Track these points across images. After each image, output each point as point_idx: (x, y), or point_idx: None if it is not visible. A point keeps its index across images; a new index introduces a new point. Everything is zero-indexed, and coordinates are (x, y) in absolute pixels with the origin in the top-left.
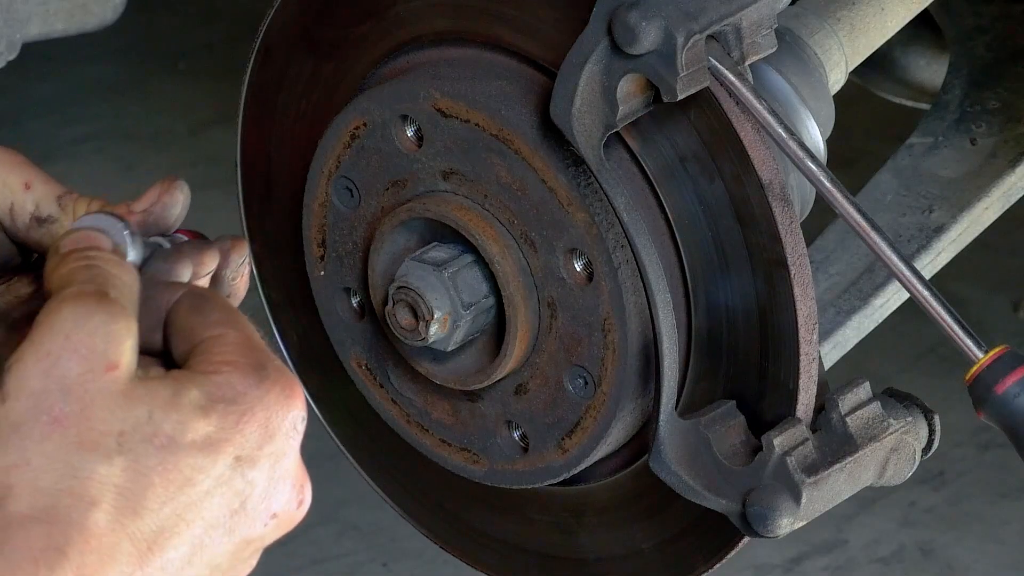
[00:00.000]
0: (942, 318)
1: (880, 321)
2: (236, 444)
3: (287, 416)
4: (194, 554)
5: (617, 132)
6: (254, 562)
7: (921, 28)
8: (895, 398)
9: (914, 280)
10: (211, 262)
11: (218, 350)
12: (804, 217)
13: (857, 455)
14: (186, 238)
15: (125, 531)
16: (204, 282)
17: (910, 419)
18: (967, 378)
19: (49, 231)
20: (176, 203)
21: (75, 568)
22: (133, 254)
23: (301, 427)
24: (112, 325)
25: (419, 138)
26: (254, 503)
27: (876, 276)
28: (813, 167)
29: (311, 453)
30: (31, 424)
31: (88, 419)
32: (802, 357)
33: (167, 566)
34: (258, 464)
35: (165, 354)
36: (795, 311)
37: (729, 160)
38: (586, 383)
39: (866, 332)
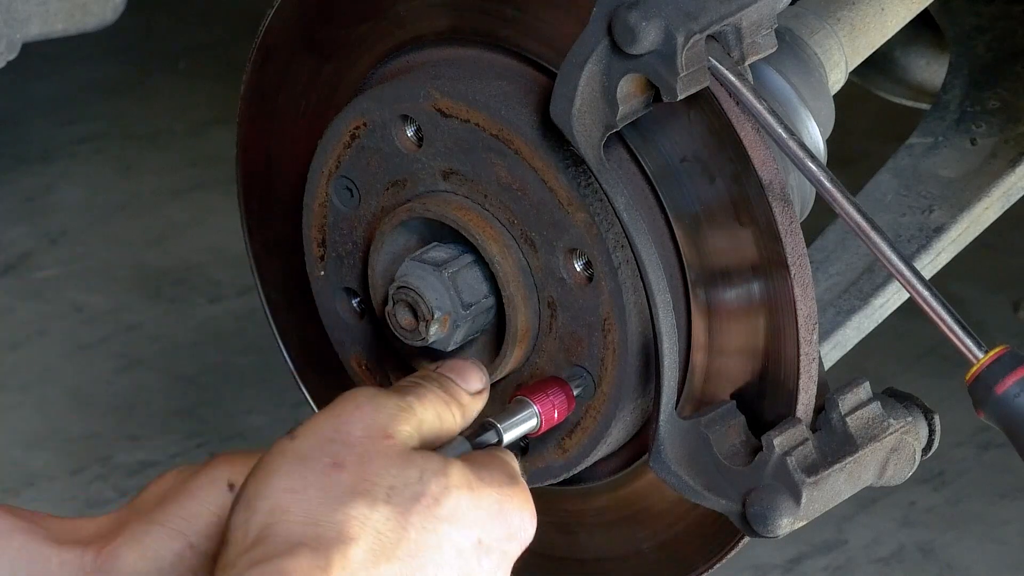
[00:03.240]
0: (942, 318)
1: (880, 321)
2: (483, 527)
3: (526, 524)
4: None
5: (617, 132)
6: None
7: (921, 28)
8: (895, 398)
9: (914, 280)
10: None
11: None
12: (804, 217)
13: (857, 455)
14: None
15: (376, 569)
16: None
17: (910, 419)
18: (967, 378)
19: None
20: None
21: None
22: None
23: (524, 543)
24: (398, 411)
25: (419, 138)
26: None
27: (876, 276)
28: (813, 167)
29: None
30: (315, 460)
31: (364, 469)
32: (802, 357)
33: None
34: (492, 554)
35: None
36: (795, 311)
37: (729, 160)
38: (586, 383)
39: (866, 332)
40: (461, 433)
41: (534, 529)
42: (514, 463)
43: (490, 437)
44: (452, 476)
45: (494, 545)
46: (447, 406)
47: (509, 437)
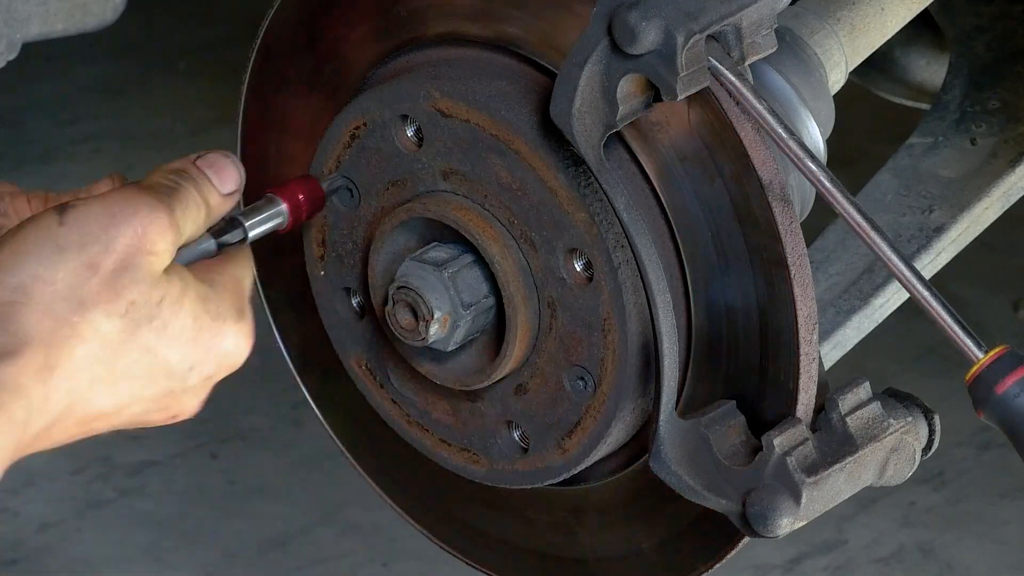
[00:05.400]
0: (942, 318)
1: (880, 321)
2: (199, 358)
3: (237, 358)
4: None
5: (617, 132)
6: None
7: (921, 28)
8: (895, 398)
9: (914, 280)
10: None
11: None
12: (804, 217)
13: (857, 455)
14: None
15: (91, 373)
16: None
17: (910, 419)
18: (967, 378)
19: None
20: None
21: (61, 385)
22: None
23: (230, 371)
24: (166, 227)
25: (419, 138)
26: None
27: (876, 276)
28: (813, 167)
29: (311, 454)
30: (73, 254)
31: (114, 279)
32: (802, 357)
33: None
34: (197, 380)
35: None
36: (795, 311)
37: (729, 160)
38: (586, 383)
39: (866, 332)
40: (209, 229)
41: (243, 360)
42: (247, 281)
43: (236, 235)
44: (185, 305)
45: (204, 372)
46: (199, 210)
47: (254, 234)
